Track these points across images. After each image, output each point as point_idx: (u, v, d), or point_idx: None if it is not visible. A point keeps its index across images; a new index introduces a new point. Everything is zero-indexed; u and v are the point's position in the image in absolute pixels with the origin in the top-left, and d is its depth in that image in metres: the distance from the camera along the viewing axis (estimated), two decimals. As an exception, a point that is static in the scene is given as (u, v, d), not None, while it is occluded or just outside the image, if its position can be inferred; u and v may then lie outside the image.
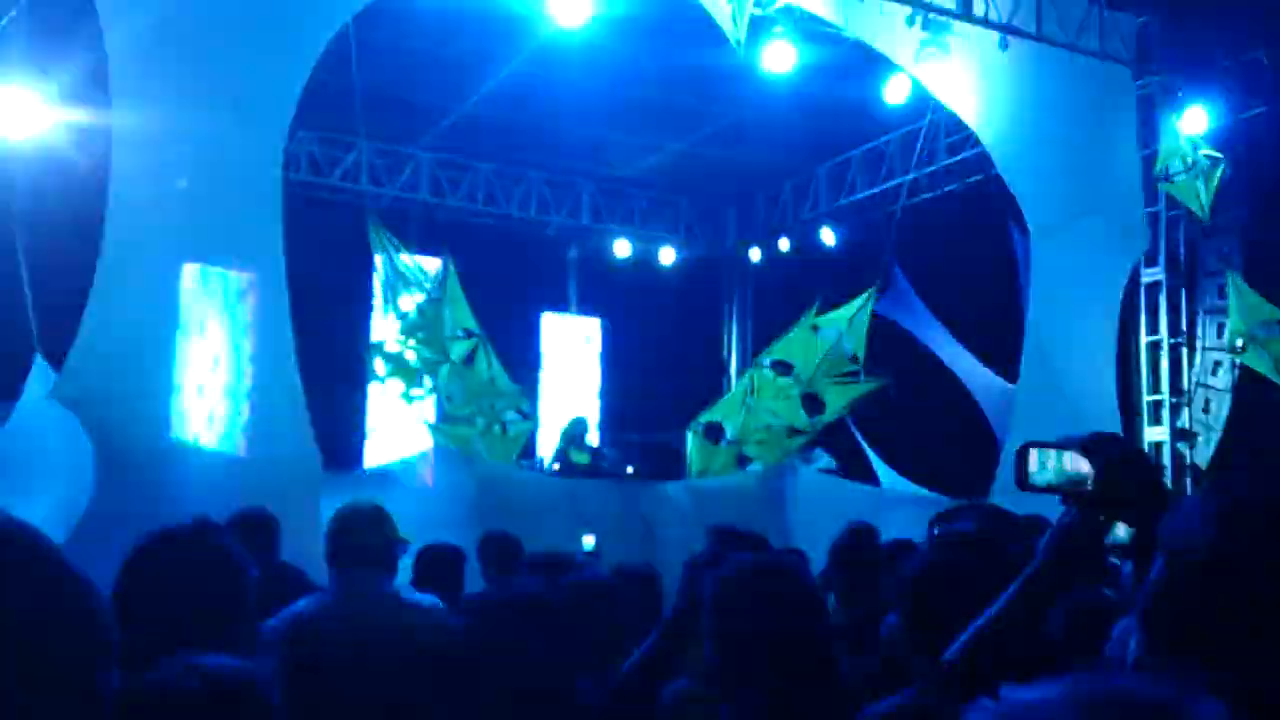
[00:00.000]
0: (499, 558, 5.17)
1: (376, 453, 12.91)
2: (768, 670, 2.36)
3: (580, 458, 10.74)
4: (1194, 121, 10.63)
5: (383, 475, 9.42)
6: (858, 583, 4.38)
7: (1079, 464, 1.85)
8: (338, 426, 11.23)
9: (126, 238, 7.12)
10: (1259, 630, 1.31)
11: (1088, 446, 1.86)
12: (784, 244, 15.07)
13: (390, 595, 3.66)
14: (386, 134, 12.46)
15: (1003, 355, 11.46)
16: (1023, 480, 1.92)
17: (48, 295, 7.93)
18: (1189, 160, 10.66)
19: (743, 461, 11.05)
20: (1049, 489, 1.89)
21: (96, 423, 6.78)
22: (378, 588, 3.61)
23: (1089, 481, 1.84)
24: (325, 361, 9.96)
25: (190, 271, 7.62)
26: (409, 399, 9.98)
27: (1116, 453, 1.87)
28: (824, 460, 11.71)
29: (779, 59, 9.54)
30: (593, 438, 12.02)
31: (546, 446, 12.23)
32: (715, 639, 2.43)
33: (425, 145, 13.67)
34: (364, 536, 3.64)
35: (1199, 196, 10.68)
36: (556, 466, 10.70)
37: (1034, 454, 1.90)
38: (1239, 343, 10.97)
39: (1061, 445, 1.88)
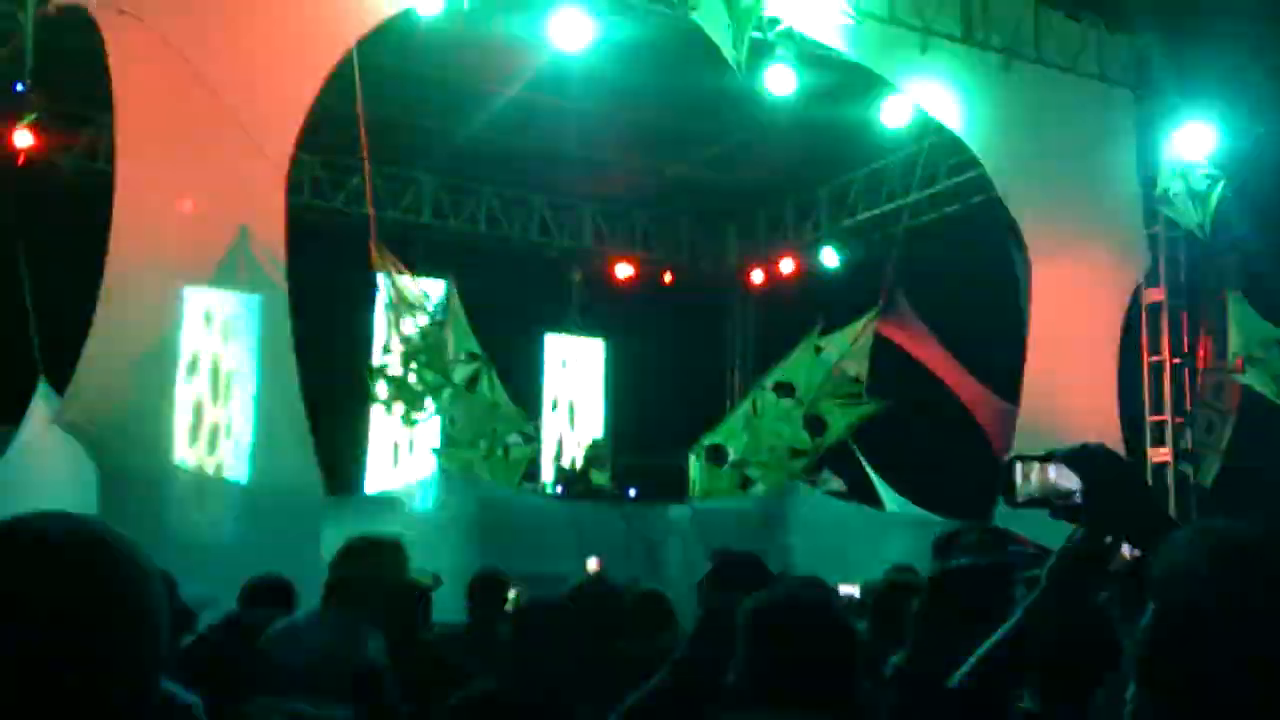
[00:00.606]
0: (484, 595, 5.00)
1: (379, 477, 12.85)
2: (799, 698, 2.35)
3: (602, 480, 10.70)
4: (1193, 142, 10.64)
5: (385, 500, 9.38)
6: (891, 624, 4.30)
7: (1066, 477, 1.80)
8: (340, 450, 11.17)
9: (129, 262, 7.13)
10: (1262, 682, 1.27)
11: (1073, 458, 1.81)
12: (787, 265, 15.06)
13: None
14: (390, 157, 12.47)
15: (1005, 376, 11.43)
16: (1009, 493, 1.86)
17: (51, 319, 7.93)
18: (1188, 181, 10.66)
19: (746, 483, 11.02)
20: (1035, 502, 1.84)
21: (99, 446, 6.76)
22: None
23: (1077, 494, 1.80)
24: (328, 384, 9.94)
25: (193, 295, 7.61)
26: (411, 422, 9.97)
27: (1103, 464, 1.82)
28: (833, 483, 11.66)
29: (780, 82, 9.55)
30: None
31: (550, 468, 12.19)
32: (748, 667, 2.42)
33: (428, 168, 13.68)
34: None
35: (1199, 217, 10.68)
36: (576, 489, 10.62)
37: (1019, 467, 1.84)
38: (1239, 362, 10.95)
39: (1047, 458, 1.82)
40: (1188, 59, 10.65)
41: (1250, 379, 10.90)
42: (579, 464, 11.11)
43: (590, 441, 11.33)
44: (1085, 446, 1.84)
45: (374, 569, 3.55)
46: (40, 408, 7.69)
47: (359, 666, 3.23)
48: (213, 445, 7.59)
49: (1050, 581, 1.86)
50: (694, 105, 11.48)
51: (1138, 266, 11.13)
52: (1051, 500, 1.81)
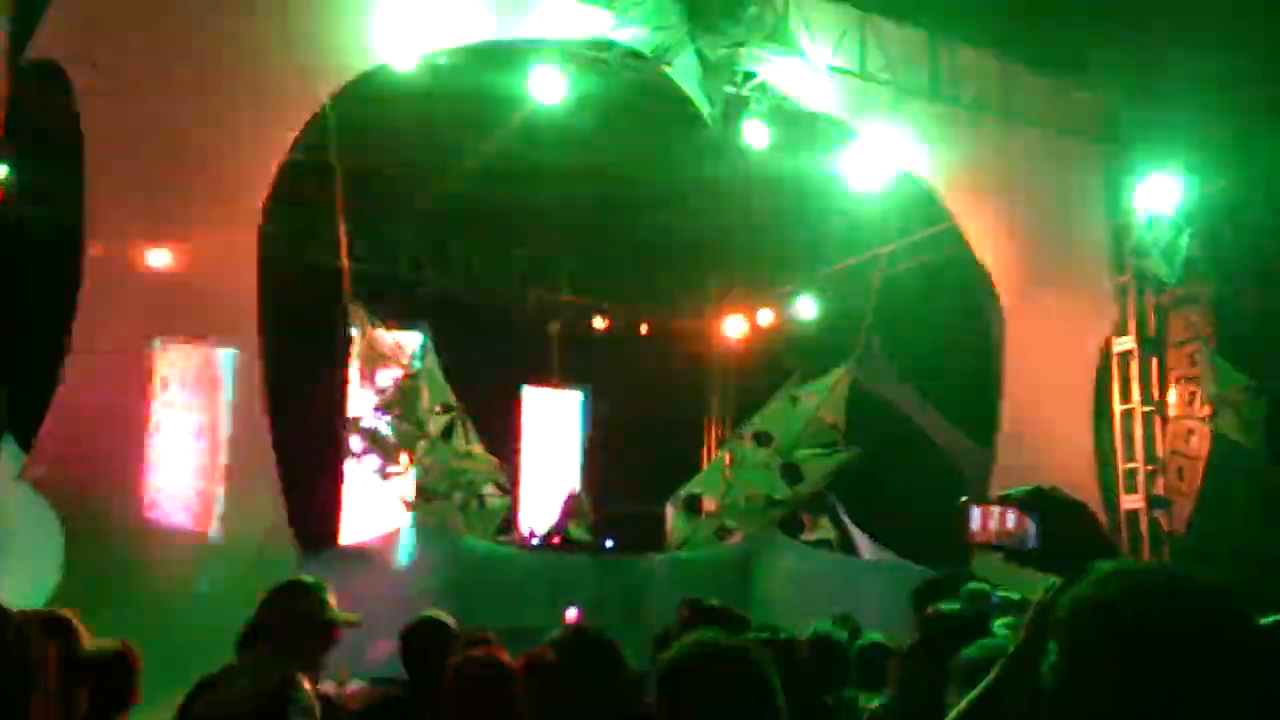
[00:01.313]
0: (422, 647, 4.58)
1: (353, 530, 12.69)
2: None
3: (580, 534, 10.61)
4: (1159, 194, 10.77)
5: (359, 553, 9.26)
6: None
7: (1021, 521, 1.77)
8: (313, 503, 11.04)
9: (99, 315, 7.04)
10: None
11: (1027, 502, 1.78)
12: (764, 316, 15.10)
13: None
14: (366, 210, 12.46)
15: (981, 423, 11.44)
16: (965, 538, 1.83)
17: (17, 374, 7.82)
18: (1156, 232, 10.78)
19: (724, 533, 10.94)
20: (991, 547, 1.81)
21: (65, 503, 6.63)
22: None
23: (1031, 538, 1.76)
24: (301, 438, 9.88)
25: (164, 349, 7.53)
26: (385, 475, 9.84)
27: (1057, 508, 1.79)
28: (825, 531, 11.55)
29: (756, 135, 9.64)
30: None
31: (527, 520, 12.08)
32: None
33: (405, 221, 13.67)
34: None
35: (1167, 266, 10.79)
36: (554, 540, 10.52)
37: (975, 511, 1.82)
38: (1210, 409, 11.00)
39: (1002, 501, 1.80)
40: (1153, 113, 10.81)
41: (1222, 425, 10.95)
42: (559, 518, 11.02)
43: (569, 496, 11.23)
44: (1039, 489, 1.81)
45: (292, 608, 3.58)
46: (5, 463, 7.55)
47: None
48: (183, 500, 7.47)
49: (1027, 637, 1.81)
50: (670, 159, 11.54)
51: (1108, 316, 11.22)
52: (1004, 545, 1.78)
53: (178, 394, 7.57)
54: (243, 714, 3.13)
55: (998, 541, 1.79)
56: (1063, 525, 1.77)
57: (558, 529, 10.72)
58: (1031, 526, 1.76)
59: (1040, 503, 1.78)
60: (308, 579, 3.75)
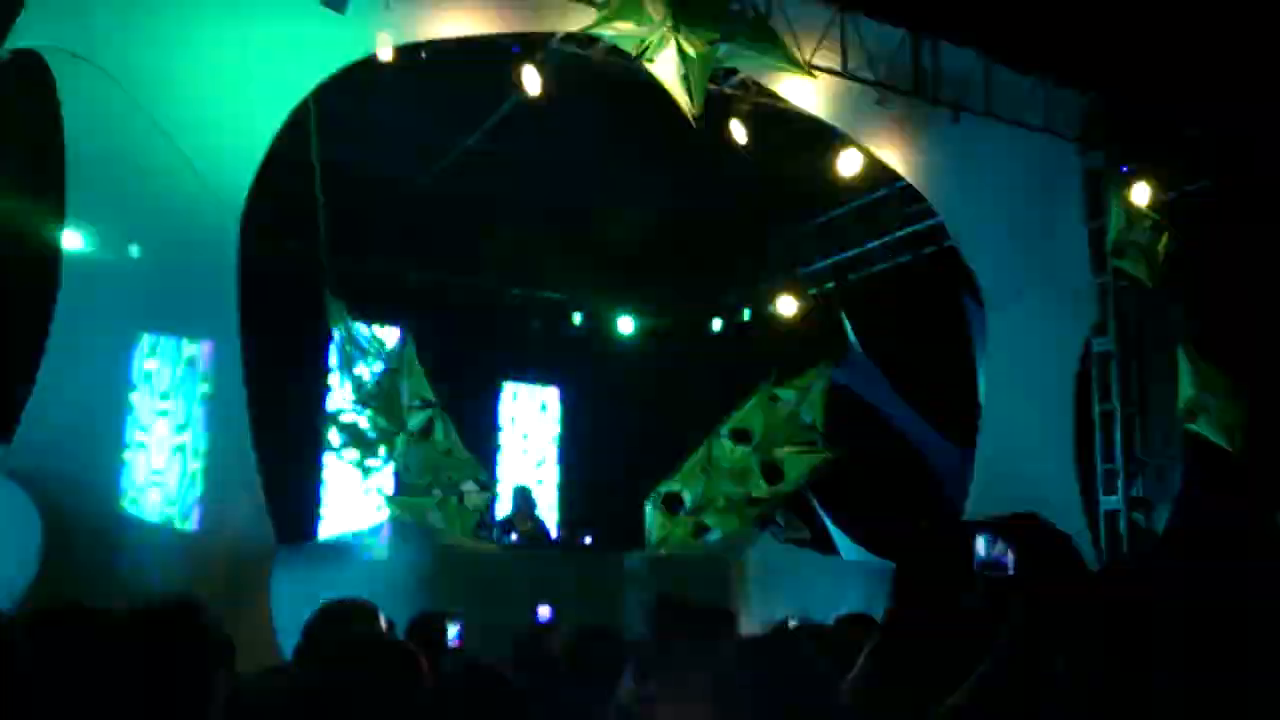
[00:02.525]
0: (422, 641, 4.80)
1: (331, 524, 12.79)
2: None
3: (525, 527, 10.67)
4: (1139, 194, 10.95)
5: (337, 548, 9.31)
6: None
7: (998, 546, 1.75)
8: (292, 498, 11.12)
9: (78, 308, 7.10)
10: None
11: (1005, 528, 1.77)
12: (744, 314, 15.21)
13: None
14: (347, 204, 12.49)
15: (959, 424, 11.58)
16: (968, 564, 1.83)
17: (-3, 368, 7.86)
18: (1135, 232, 10.95)
19: (701, 531, 11.03)
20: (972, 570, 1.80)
21: (45, 498, 6.68)
22: None
23: (1008, 565, 1.75)
24: (280, 432, 9.92)
25: (144, 342, 7.57)
26: (365, 470, 9.93)
27: (1035, 535, 1.78)
28: (796, 530, 11.67)
29: (737, 133, 9.72)
30: (546, 508, 11.89)
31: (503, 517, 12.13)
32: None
33: (386, 215, 13.70)
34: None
35: (1146, 267, 10.96)
36: (498, 536, 10.54)
37: (979, 540, 1.81)
38: (1190, 411, 11.17)
39: (980, 526, 1.79)
40: (1133, 114, 10.98)
41: (1201, 427, 11.12)
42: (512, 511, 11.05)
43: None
44: (1017, 516, 1.82)
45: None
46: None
47: None
48: (163, 494, 7.52)
49: (998, 658, 1.78)
50: (651, 155, 11.63)
51: (1088, 316, 11.38)
52: (985, 570, 1.76)
53: (156, 388, 7.62)
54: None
55: (976, 567, 1.77)
56: (1039, 553, 1.77)
57: (505, 527, 10.75)
58: (1010, 554, 1.75)
59: (1017, 530, 1.78)
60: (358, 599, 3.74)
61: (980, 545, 1.77)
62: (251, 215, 7.86)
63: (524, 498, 11.04)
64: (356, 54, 8.24)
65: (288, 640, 5.21)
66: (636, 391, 14.98)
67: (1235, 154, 10.47)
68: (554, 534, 11.61)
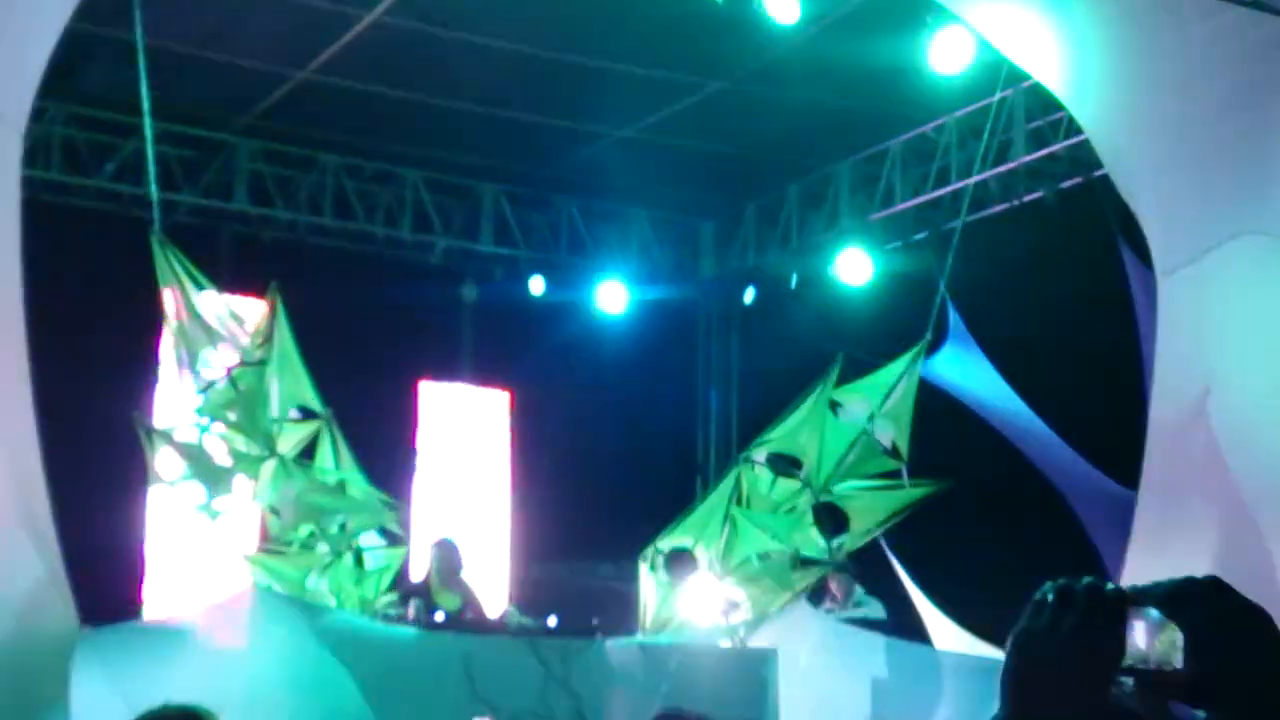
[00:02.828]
0: None
1: (160, 596, 12.77)
2: None
3: (449, 601, 10.67)
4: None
5: (169, 631, 9.27)
6: None
7: (1163, 631, 1.72)
8: (104, 558, 11.08)
9: None
10: None
11: (1172, 602, 1.73)
12: (788, 278, 15.18)
13: None
14: (188, 112, 12.43)
15: (1111, 440, 11.55)
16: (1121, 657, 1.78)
17: None
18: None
19: (727, 607, 11.03)
20: (1121, 672, 1.75)
21: None
22: None
23: (1176, 659, 1.71)
24: (83, 454, 9.83)
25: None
26: (212, 513, 9.86)
27: (1219, 616, 1.73)
28: (870, 606, 11.66)
29: (784, 7, 9.72)
30: (471, 571, 11.83)
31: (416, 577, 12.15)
32: None
33: (242, 128, 13.65)
34: None
35: None
36: (409, 613, 10.53)
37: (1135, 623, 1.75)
38: None
39: (1136, 599, 1.74)
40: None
41: None
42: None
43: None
44: (1191, 581, 1.77)
45: None
46: None
47: None
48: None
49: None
50: (647, 41, 11.56)
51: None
52: (1139, 665, 1.73)
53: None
54: None
55: (1129, 666, 1.74)
56: (1228, 641, 1.72)
57: (415, 591, 10.76)
58: (1179, 640, 1.72)
59: (1192, 606, 1.73)
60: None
61: (1139, 633, 1.74)
62: (42, 128, 7.79)
63: (448, 554, 11.03)
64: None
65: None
66: (627, 394, 14.96)
67: None
68: (496, 610, 11.58)
